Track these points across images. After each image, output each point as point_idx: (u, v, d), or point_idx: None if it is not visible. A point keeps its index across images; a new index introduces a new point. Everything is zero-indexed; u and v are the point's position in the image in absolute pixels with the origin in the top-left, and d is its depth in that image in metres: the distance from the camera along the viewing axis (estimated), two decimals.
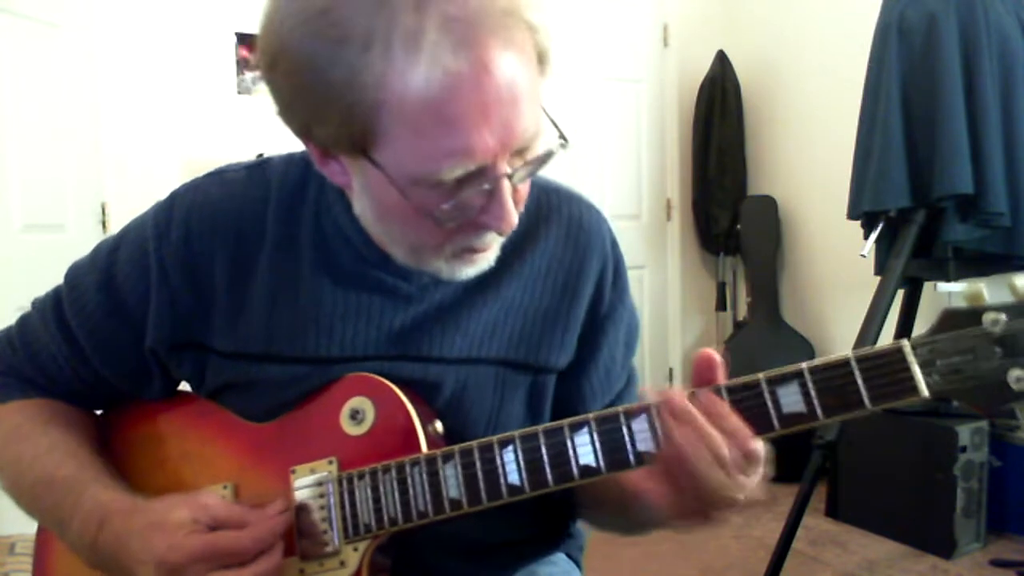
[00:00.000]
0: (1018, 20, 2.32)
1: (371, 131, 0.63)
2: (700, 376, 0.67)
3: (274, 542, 0.73)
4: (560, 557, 0.95)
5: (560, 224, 0.84)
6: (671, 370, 3.90)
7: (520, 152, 0.66)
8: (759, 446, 0.63)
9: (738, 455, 0.62)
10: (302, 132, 0.68)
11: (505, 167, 0.64)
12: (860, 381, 0.60)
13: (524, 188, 0.71)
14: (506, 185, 0.65)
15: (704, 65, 3.75)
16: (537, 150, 0.67)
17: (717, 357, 0.66)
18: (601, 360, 0.86)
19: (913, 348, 0.59)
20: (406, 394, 0.77)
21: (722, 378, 0.66)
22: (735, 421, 0.63)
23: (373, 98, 0.61)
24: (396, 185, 0.65)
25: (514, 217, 0.67)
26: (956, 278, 2.36)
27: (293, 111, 0.67)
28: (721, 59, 3.72)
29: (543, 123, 0.67)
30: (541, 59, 0.66)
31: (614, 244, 0.88)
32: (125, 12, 2.66)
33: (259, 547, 0.72)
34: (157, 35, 2.71)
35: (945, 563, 2.45)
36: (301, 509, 0.77)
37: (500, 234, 0.70)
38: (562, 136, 0.69)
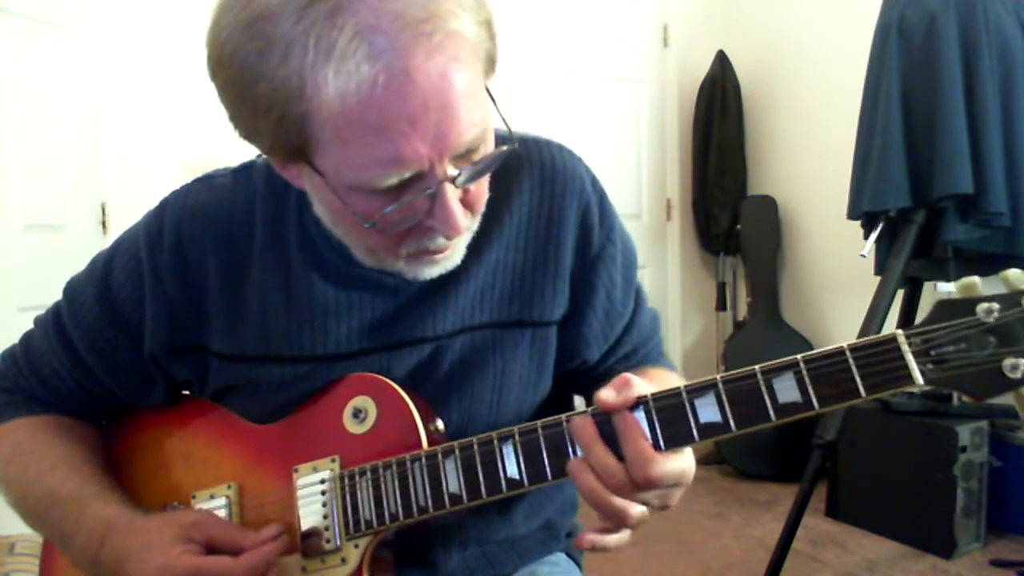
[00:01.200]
0: (1018, 20, 2.32)
1: (304, 140, 0.62)
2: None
3: (267, 570, 0.73)
4: (560, 557, 0.95)
5: (532, 172, 0.83)
6: None
7: (465, 155, 0.65)
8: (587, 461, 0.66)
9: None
10: (248, 140, 0.68)
11: (447, 171, 0.63)
12: (855, 370, 0.61)
13: (478, 187, 0.70)
14: (448, 189, 0.64)
15: (704, 65, 3.75)
16: (486, 150, 0.66)
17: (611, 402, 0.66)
18: (598, 303, 0.85)
19: (907, 337, 0.59)
20: (407, 393, 0.77)
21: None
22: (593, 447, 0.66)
23: (298, 110, 0.60)
24: (336, 192, 0.65)
25: (459, 221, 0.66)
26: (956, 278, 2.34)
27: (235, 120, 0.67)
28: (721, 59, 3.73)
29: (491, 122, 0.66)
30: (486, 61, 0.65)
31: (594, 182, 0.86)
32: (125, 12, 2.65)
33: (252, 575, 0.72)
34: (157, 35, 2.71)
35: (945, 563, 2.44)
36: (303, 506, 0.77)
37: (447, 238, 0.69)
38: (511, 134, 0.68)
